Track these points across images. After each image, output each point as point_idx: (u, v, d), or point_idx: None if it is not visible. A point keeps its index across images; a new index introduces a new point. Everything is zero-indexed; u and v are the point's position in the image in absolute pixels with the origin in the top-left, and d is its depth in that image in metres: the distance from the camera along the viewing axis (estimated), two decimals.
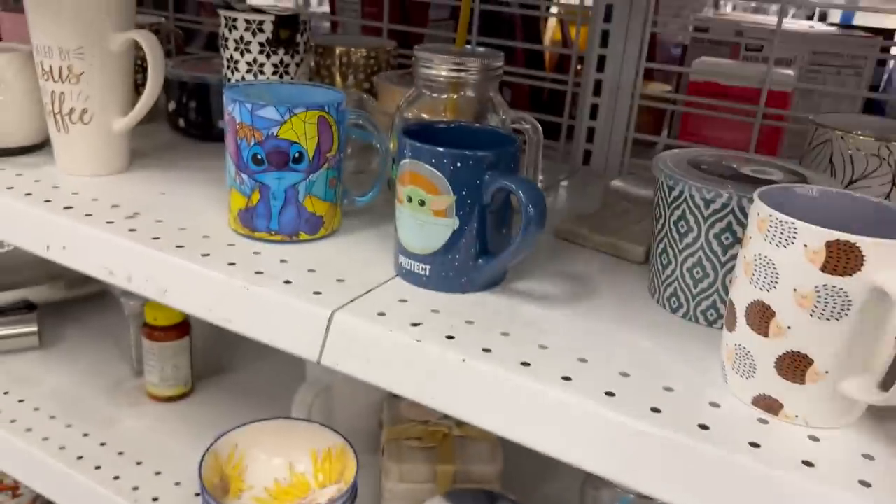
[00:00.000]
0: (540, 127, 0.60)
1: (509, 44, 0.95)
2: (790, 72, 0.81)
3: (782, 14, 0.77)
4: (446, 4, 1.05)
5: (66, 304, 1.00)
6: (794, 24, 1.10)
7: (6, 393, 0.84)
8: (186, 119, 0.82)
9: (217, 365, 0.90)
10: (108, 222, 0.60)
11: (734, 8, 1.84)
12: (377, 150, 0.70)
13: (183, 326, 0.82)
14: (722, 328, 0.50)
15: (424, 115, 0.62)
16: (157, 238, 0.58)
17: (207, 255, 0.56)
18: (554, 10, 1.12)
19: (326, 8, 1.27)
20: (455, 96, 0.60)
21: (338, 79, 0.83)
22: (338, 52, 0.82)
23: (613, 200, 0.72)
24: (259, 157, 0.56)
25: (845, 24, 1.38)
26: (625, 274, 0.59)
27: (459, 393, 0.45)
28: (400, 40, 0.92)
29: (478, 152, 0.49)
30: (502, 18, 1.02)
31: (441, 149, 0.49)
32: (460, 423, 0.71)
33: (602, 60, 0.83)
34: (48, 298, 0.98)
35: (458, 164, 0.49)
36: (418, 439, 0.69)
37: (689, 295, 0.51)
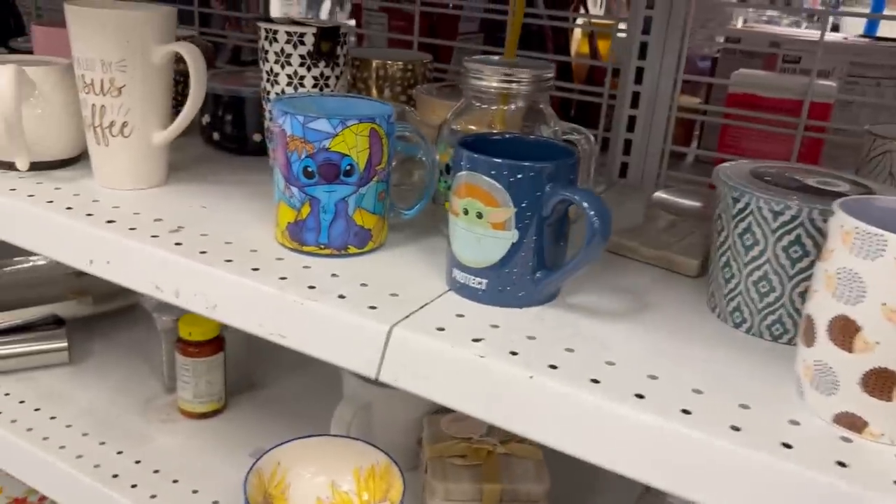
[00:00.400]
0: (593, 138, 0.59)
1: (542, 56, 0.94)
2: (832, 83, 0.80)
3: (825, 26, 0.76)
4: (475, 17, 1.05)
5: (94, 320, 0.99)
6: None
7: (37, 409, 0.83)
8: (221, 132, 0.82)
9: (249, 381, 0.89)
10: (152, 236, 0.59)
11: (745, 21, 1.83)
12: (419, 163, 0.69)
13: (217, 341, 0.81)
14: (789, 343, 0.49)
15: (472, 127, 0.61)
16: (205, 252, 0.57)
17: (257, 269, 0.55)
18: (580, 21, 1.12)
19: (351, 21, 1.27)
20: (505, 108, 0.59)
21: (374, 91, 0.82)
22: (374, 64, 0.81)
23: (656, 213, 0.71)
24: (310, 170, 0.55)
25: (869, 35, 1.37)
26: (679, 287, 0.58)
27: (527, 410, 0.44)
28: (429, 53, 0.91)
29: (539, 163, 0.48)
30: (531, 31, 1.02)
31: (501, 160, 0.48)
32: (504, 441, 0.69)
33: (640, 72, 0.82)
34: (76, 314, 0.97)
35: (519, 176, 0.48)
36: (462, 457, 0.68)
37: (753, 309, 0.50)
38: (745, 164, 0.54)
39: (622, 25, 0.84)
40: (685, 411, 0.41)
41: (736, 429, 0.40)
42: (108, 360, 0.93)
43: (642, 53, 0.82)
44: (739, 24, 1.61)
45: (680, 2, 0.79)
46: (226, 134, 0.82)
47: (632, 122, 0.84)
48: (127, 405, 0.85)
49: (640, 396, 0.42)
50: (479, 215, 0.50)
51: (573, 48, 1.20)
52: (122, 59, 0.64)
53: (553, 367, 0.44)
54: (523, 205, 0.49)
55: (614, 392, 0.42)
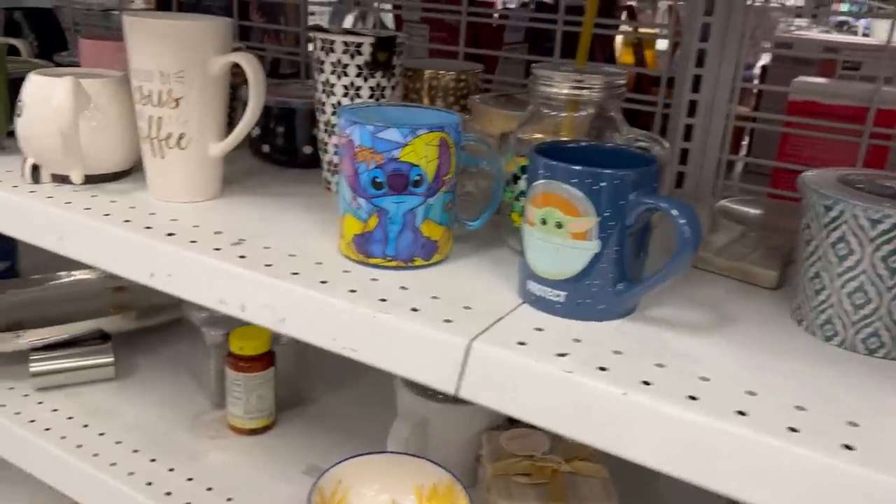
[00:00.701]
0: (669, 145, 0.57)
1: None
2: None
3: (893, 30, 0.74)
4: (521, 27, 1.04)
5: (137, 334, 0.98)
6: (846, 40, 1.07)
7: (86, 426, 0.82)
8: (272, 145, 0.81)
9: (298, 396, 0.88)
10: (215, 249, 0.58)
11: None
12: (476, 173, 0.68)
13: (268, 356, 0.80)
14: (885, 357, 0.47)
15: (538, 135, 0.59)
16: (270, 265, 0.55)
17: (325, 282, 0.53)
18: (625, 29, 1.11)
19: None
20: (575, 115, 0.58)
21: (426, 102, 0.81)
22: (426, 75, 0.80)
23: (722, 223, 0.69)
24: (379, 180, 0.54)
25: None
26: (757, 299, 0.56)
27: (620, 428, 0.42)
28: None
29: (623, 171, 0.47)
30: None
31: (584, 168, 0.47)
32: (569, 459, 0.67)
33: (696, 80, 0.80)
34: (120, 328, 0.96)
35: (603, 184, 0.47)
36: (527, 475, 0.66)
37: (847, 322, 0.48)
38: (830, 172, 0.52)
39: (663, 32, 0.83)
40: (792, 429, 0.39)
41: (848, 447, 0.38)
42: (153, 375, 0.92)
43: (699, 62, 0.80)
44: None
45: (739, 9, 0.77)
46: (276, 146, 0.81)
47: (688, 131, 0.82)
48: (175, 421, 0.84)
49: (742, 413, 0.40)
50: (559, 225, 0.48)
51: (616, 57, 1.19)
52: (181, 71, 0.63)
53: (646, 382, 0.43)
54: (606, 214, 0.47)
55: (714, 409, 0.40)
